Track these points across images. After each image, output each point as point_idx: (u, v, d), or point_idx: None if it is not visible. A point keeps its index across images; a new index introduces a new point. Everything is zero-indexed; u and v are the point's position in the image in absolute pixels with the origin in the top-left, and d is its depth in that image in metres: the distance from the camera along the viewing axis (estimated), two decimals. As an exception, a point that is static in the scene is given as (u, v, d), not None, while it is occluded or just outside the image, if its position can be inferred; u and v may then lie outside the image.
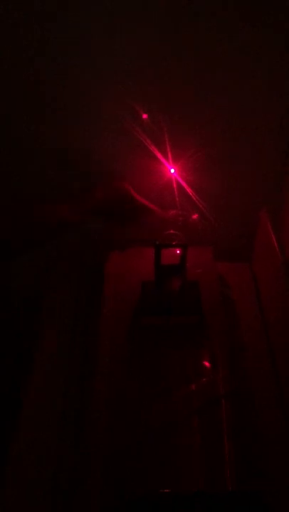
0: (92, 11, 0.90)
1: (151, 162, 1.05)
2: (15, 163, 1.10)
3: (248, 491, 0.75)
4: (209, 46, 0.95)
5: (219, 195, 1.11)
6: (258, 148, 1.09)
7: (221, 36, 0.94)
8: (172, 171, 1.06)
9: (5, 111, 1.02)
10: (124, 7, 0.90)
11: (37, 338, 0.94)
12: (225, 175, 1.11)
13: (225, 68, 0.97)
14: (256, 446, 0.83)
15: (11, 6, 0.89)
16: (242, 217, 1.17)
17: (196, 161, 1.06)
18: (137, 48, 0.94)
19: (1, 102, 1.01)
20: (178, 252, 1.02)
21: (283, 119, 1.04)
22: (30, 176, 1.11)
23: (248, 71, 0.98)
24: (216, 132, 1.06)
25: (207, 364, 0.91)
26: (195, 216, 1.08)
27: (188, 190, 1.07)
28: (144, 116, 1.00)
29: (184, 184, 1.06)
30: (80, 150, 1.07)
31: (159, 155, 1.04)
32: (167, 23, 0.92)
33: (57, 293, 1.04)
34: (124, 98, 0.98)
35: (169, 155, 1.04)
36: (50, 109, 1.01)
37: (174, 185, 1.07)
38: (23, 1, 0.88)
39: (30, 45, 0.93)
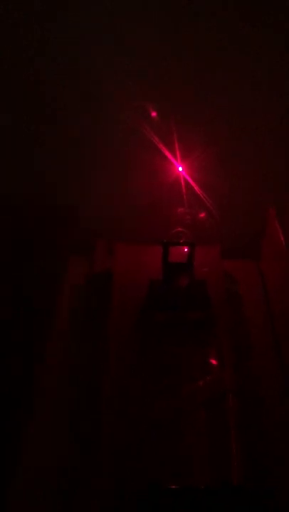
0: (92, 11, 0.91)
1: (159, 160, 1.05)
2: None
3: (257, 489, 0.72)
4: (210, 46, 0.95)
5: (227, 194, 1.09)
6: (265, 146, 1.08)
7: (221, 36, 0.94)
8: (180, 169, 1.06)
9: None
10: (125, 7, 0.91)
11: (42, 334, 0.93)
12: (233, 173, 1.10)
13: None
14: (262, 443, 0.80)
15: (11, 6, 0.91)
16: (250, 215, 1.16)
17: (204, 159, 1.05)
18: (139, 47, 0.95)
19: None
20: (185, 250, 1.01)
21: (283, 119, 1.04)
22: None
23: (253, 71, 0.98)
24: (224, 131, 1.05)
25: (214, 362, 0.89)
26: (202, 214, 1.08)
27: (196, 188, 1.06)
28: (153, 114, 1.01)
29: (192, 182, 1.06)
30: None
31: (167, 153, 1.04)
32: (167, 23, 0.93)
33: (63, 291, 1.04)
34: (131, 97, 0.98)
35: (177, 153, 1.04)
36: (50, 109, 1.02)
37: (182, 184, 1.07)
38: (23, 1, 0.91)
39: (31, 45, 0.94)
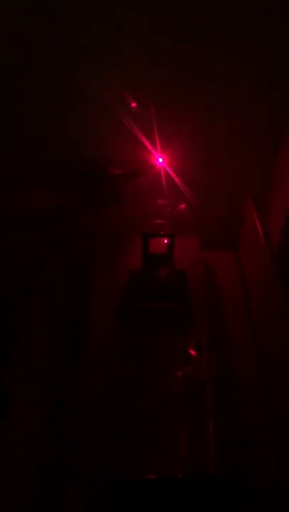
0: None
1: (139, 151, 1.05)
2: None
3: (232, 475, 0.75)
4: (200, 35, 0.94)
5: (206, 185, 1.09)
6: (245, 139, 1.07)
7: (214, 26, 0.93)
8: (160, 160, 1.05)
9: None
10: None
11: (25, 322, 0.95)
12: (212, 165, 1.10)
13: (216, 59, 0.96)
14: (240, 430, 0.84)
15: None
16: (229, 206, 1.16)
17: (184, 151, 1.05)
18: (126, 36, 0.93)
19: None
20: (165, 241, 1.02)
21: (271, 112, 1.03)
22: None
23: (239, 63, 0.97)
24: (203, 123, 1.04)
25: (192, 352, 0.92)
26: (182, 206, 1.08)
27: (176, 179, 1.07)
28: (133, 105, 1.00)
29: (172, 174, 1.06)
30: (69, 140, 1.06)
31: (147, 144, 1.04)
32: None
33: (46, 279, 1.05)
34: (113, 86, 0.97)
35: (158, 145, 1.04)
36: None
37: (162, 175, 1.07)
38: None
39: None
